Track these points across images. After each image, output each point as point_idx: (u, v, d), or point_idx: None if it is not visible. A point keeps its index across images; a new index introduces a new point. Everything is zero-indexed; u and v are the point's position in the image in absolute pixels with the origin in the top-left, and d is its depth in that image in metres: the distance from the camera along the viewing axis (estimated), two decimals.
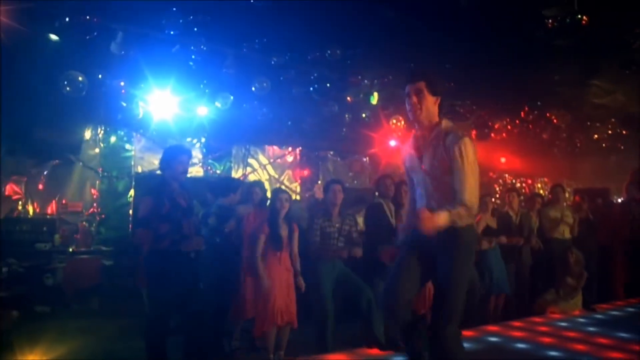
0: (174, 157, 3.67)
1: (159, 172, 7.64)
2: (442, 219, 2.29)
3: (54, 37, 5.60)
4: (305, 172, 9.64)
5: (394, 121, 8.82)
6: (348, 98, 7.62)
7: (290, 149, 9.47)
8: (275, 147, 9.35)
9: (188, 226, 3.62)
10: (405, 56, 6.62)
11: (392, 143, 9.45)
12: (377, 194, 4.89)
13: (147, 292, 4.22)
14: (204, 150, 8.32)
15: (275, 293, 3.97)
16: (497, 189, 12.23)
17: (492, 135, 9.68)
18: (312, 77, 6.92)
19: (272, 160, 9.30)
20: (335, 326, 4.16)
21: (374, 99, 8.00)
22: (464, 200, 2.35)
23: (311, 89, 6.98)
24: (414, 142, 2.68)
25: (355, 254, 4.29)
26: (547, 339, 4.51)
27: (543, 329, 4.98)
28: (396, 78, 7.73)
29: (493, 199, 7.81)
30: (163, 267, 3.43)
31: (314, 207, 6.13)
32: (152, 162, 7.85)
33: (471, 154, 2.41)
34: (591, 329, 4.95)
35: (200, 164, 8.25)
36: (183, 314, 3.60)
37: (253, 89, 6.45)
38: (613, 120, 9.76)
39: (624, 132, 10.12)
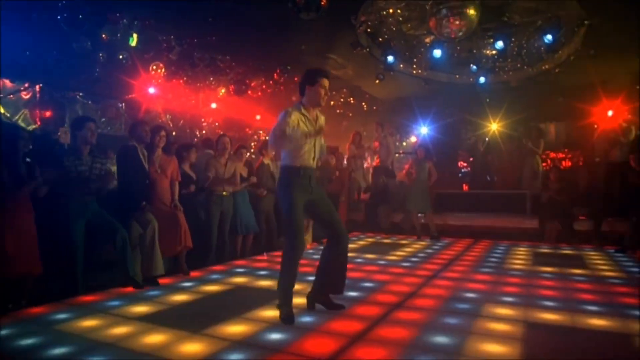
0: None
1: None
2: None
3: None
4: (48, 114, 8.50)
5: (154, 67, 8.57)
6: (103, 35, 6.99)
7: (27, 84, 8.16)
8: (7, 81, 7.91)
9: None
10: (168, 3, 6.51)
11: (152, 90, 9.17)
12: (132, 138, 4.84)
13: None
14: None
15: (6, 238, 3.60)
16: (253, 144, 13.25)
17: (250, 92, 10.39)
18: (60, 5, 6.07)
19: (2, 96, 7.87)
20: (88, 267, 4.09)
21: (133, 40, 7.57)
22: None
23: (59, 17, 6.13)
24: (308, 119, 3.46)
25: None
26: None
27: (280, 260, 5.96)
28: (158, 23, 7.51)
29: (248, 152, 8.54)
30: None
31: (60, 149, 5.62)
32: None
33: None
34: (316, 257, 6.16)
35: None
36: None
37: None
38: (345, 90, 11.69)
39: (352, 101, 12.26)
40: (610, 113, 9.23)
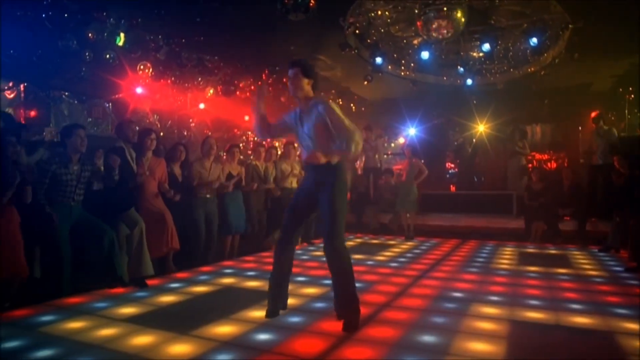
0: None
1: None
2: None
3: None
4: (33, 113, 8.37)
5: (141, 67, 8.50)
6: (90, 34, 6.91)
7: (11, 83, 8.02)
8: None
9: None
10: (155, 2, 6.48)
11: (139, 90, 9.10)
12: (119, 138, 4.80)
13: None
14: None
15: None
16: (242, 144, 13.17)
17: (238, 93, 10.34)
18: (45, 2, 5.98)
19: None
20: (74, 270, 4.05)
21: (120, 40, 7.50)
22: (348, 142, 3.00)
23: (43, 15, 6.05)
24: (297, 114, 3.31)
25: None
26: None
27: (269, 260, 5.95)
28: (146, 22, 7.46)
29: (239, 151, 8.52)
30: None
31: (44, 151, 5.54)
32: None
33: (337, 109, 3.08)
34: (305, 257, 6.18)
35: None
36: None
37: None
38: (333, 91, 11.70)
39: (340, 102, 12.27)
40: (593, 115, 9.39)
